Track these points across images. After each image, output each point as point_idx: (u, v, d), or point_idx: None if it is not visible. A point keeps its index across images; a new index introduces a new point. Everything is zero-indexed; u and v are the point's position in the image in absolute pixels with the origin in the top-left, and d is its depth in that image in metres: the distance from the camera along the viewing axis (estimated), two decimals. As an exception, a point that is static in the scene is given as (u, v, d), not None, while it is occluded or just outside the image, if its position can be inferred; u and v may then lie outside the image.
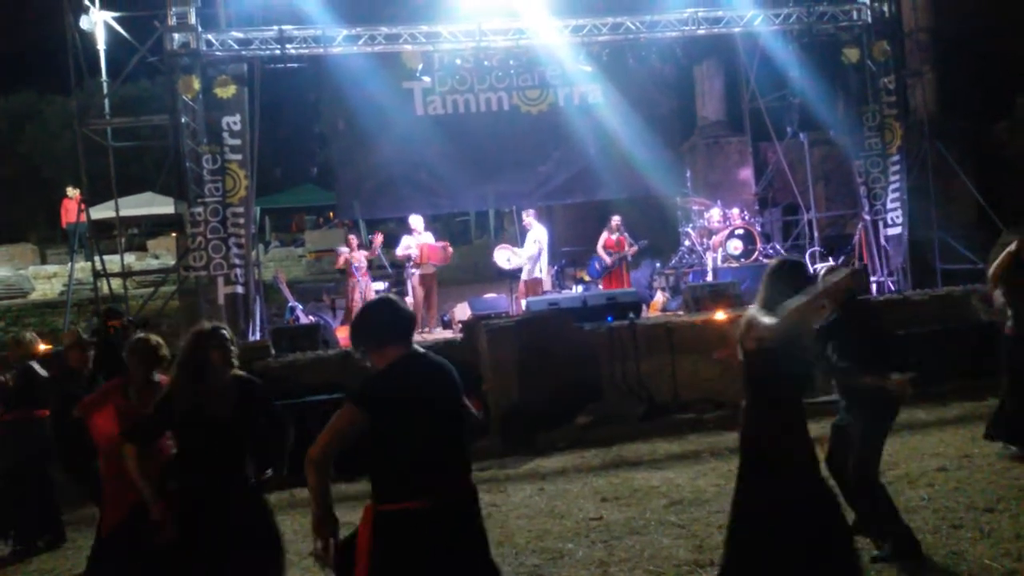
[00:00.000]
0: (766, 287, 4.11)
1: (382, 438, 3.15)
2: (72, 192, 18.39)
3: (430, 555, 3.09)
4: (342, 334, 11.14)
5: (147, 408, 4.80)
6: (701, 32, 12.09)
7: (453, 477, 3.21)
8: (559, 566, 5.34)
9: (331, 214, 27.90)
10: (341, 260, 12.39)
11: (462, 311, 12.55)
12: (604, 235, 13.14)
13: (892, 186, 12.39)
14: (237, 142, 10.83)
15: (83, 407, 5.04)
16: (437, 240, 12.91)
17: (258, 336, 10.81)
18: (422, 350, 3.36)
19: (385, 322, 3.32)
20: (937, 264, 12.70)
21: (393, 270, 13.85)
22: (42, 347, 7.31)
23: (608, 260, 12.99)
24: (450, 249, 12.76)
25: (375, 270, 13.19)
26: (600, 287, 12.78)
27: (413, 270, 12.50)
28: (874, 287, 12.03)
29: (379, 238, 12.63)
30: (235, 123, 10.82)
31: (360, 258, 12.19)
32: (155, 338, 5.13)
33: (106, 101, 11.74)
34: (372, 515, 3.14)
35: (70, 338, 7.00)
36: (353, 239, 12.45)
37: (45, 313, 15.33)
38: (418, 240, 12.51)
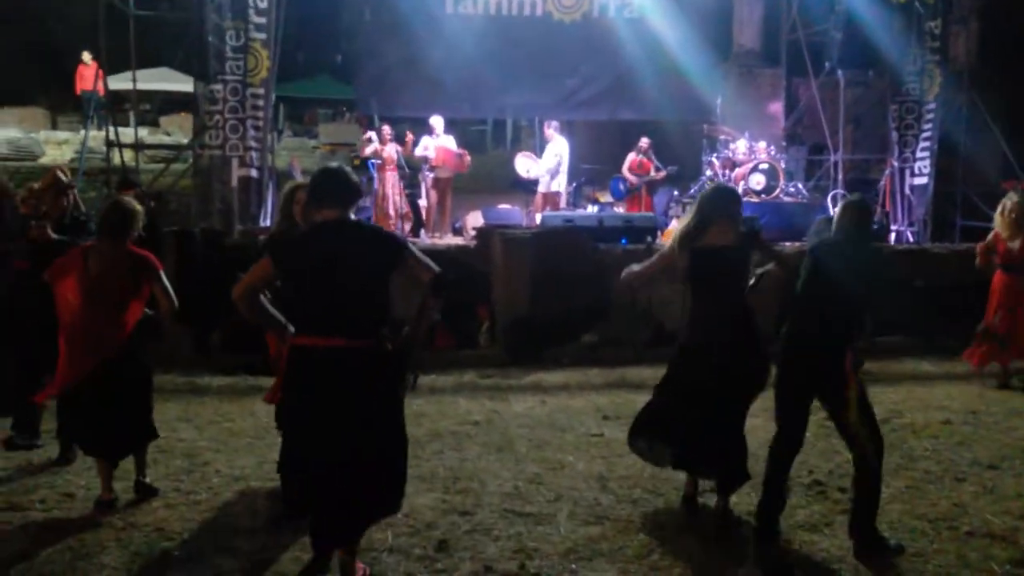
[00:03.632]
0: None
1: (289, 284, 3.74)
2: (88, 59, 18.03)
3: (312, 385, 3.61)
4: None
5: (111, 278, 4.72)
6: (749, -47, 11.65)
7: (344, 327, 3.61)
8: (559, 476, 5.34)
9: (344, 108, 27.44)
10: (368, 150, 12.06)
11: (474, 219, 12.40)
12: (631, 156, 12.92)
13: (924, 134, 12.13)
14: (262, 20, 10.47)
15: (51, 273, 4.87)
16: (459, 146, 12.63)
17: (268, 222, 10.68)
18: (354, 218, 3.78)
19: (323, 185, 3.76)
20: (958, 219, 12.51)
21: (408, 171, 13.62)
22: None
23: (633, 181, 12.79)
24: (467, 158, 12.47)
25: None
26: (621, 209, 12.61)
27: (428, 172, 12.31)
28: (893, 236, 11.87)
29: (411, 136, 12.30)
30: (262, 0, 10.48)
31: (391, 152, 11.86)
32: (132, 203, 4.97)
33: (129, -34, 11.35)
34: (289, 345, 3.74)
35: (47, 179, 6.00)
36: (387, 130, 12.09)
37: (55, 178, 15.16)
38: (436, 142, 12.28)
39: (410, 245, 3.81)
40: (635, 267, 4.94)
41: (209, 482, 5.20)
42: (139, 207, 5.00)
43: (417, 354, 3.81)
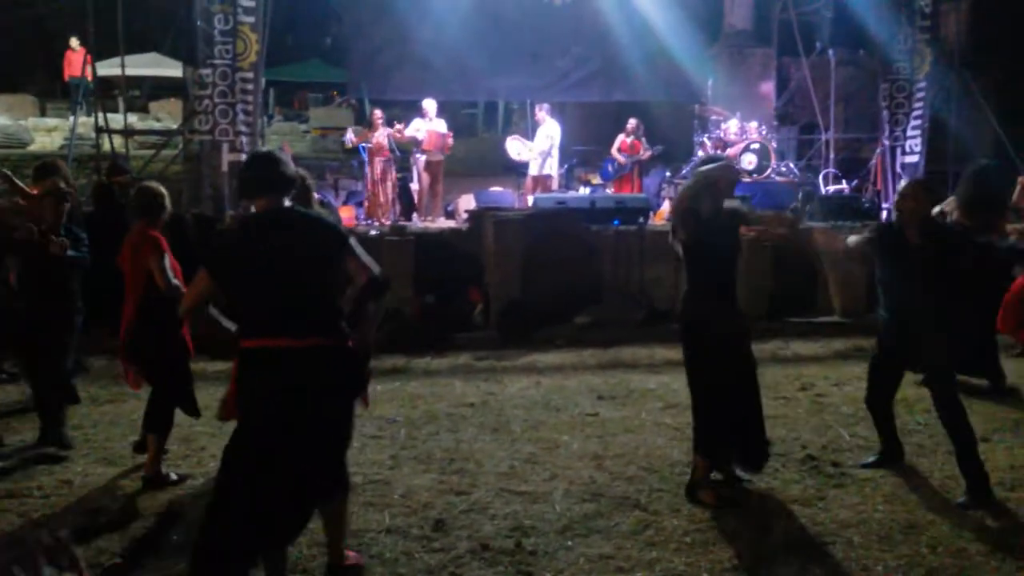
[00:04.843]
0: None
1: (227, 287, 3.45)
2: (76, 45, 17.90)
3: (265, 391, 3.35)
4: (346, 214, 11.00)
5: (133, 257, 4.94)
6: (740, -68, 11.63)
7: (291, 326, 3.35)
8: (555, 456, 5.37)
9: (334, 93, 27.31)
10: (357, 139, 12.06)
11: (467, 202, 12.37)
12: (620, 137, 12.90)
13: (915, 113, 12.14)
14: (251, 3, 10.36)
15: None
16: (449, 130, 12.61)
17: (260, 207, 10.63)
18: (288, 204, 3.50)
19: (249, 174, 3.56)
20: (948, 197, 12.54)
21: (400, 154, 13.57)
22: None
23: (622, 161, 12.78)
24: (450, 140, 12.41)
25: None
26: (610, 190, 12.62)
27: (419, 155, 12.27)
28: (884, 214, 11.90)
29: (400, 125, 12.32)
30: (250, -17, 10.39)
31: (382, 137, 11.81)
32: (158, 188, 5.18)
33: (117, -51, 11.25)
34: (239, 349, 3.45)
35: (48, 186, 5.99)
36: (378, 115, 12.07)
37: (44, 166, 15.08)
38: (428, 125, 12.24)
39: (351, 241, 3.50)
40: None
41: (205, 467, 5.22)
42: (163, 190, 5.18)
43: (368, 357, 3.58)
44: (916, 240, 4.73)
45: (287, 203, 3.52)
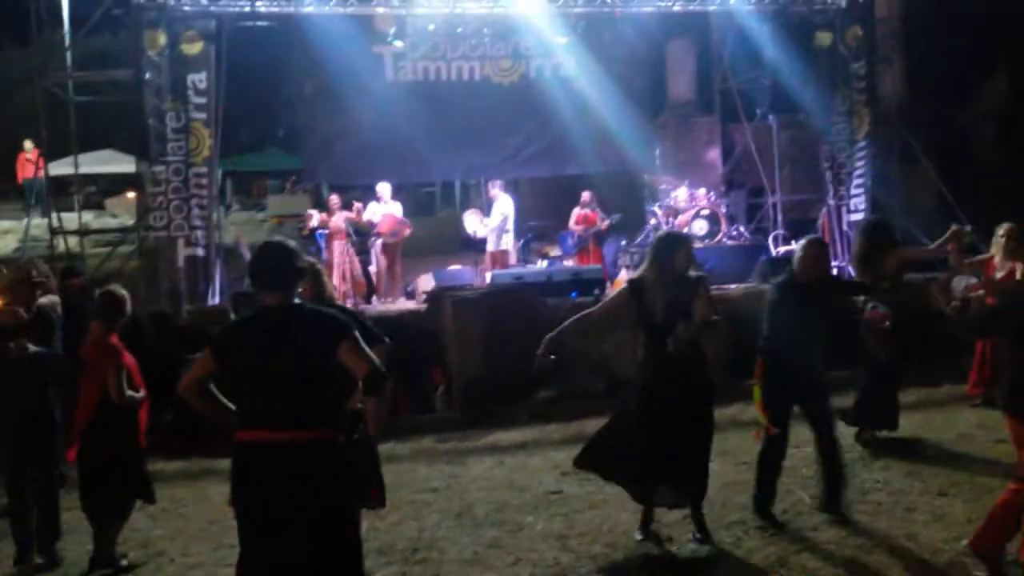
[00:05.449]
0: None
1: (229, 376, 3.46)
2: (29, 147, 17.93)
3: (257, 485, 3.33)
4: (304, 301, 11.02)
5: (89, 357, 5.07)
6: (677, 8, 12.11)
7: (287, 420, 3.32)
8: (518, 538, 5.35)
9: (292, 180, 27.47)
10: (312, 222, 12.18)
11: (426, 282, 12.43)
12: (575, 211, 13.13)
13: (857, 172, 12.51)
14: (202, 100, 10.56)
15: None
16: (405, 211, 12.76)
17: (217, 300, 10.63)
18: (297, 302, 3.47)
19: (259, 266, 3.49)
20: (898, 252, 12.82)
21: (358, 238, 13.65)
22: None
23: (579, 233, 12.99)
24: (407, 231, 12.55)
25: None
26: (571, 262, 12.78)
27: (376, 239, 12.37)
28: (835, 272, 12.14)
29: (358, 205, 12.45)
30: (201, 81, 10.56)
31: (339, 221, 11.93)
32: (122, 294, 5.28)
33: (68, 54, 11.40)
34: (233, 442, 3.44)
35: (20, 275, 5.61)
36: (335, 200, 12.22)
37: (-2, 269, 14.96)
38: (383, 209, 12.39)
39: (351, 334, 3.37)
40: None
41: (165, 572, 5.13)
42: (126, 296, 5.27)
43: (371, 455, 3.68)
44: (816, 292, 5.35)
45: (295, 298, 3.47)
